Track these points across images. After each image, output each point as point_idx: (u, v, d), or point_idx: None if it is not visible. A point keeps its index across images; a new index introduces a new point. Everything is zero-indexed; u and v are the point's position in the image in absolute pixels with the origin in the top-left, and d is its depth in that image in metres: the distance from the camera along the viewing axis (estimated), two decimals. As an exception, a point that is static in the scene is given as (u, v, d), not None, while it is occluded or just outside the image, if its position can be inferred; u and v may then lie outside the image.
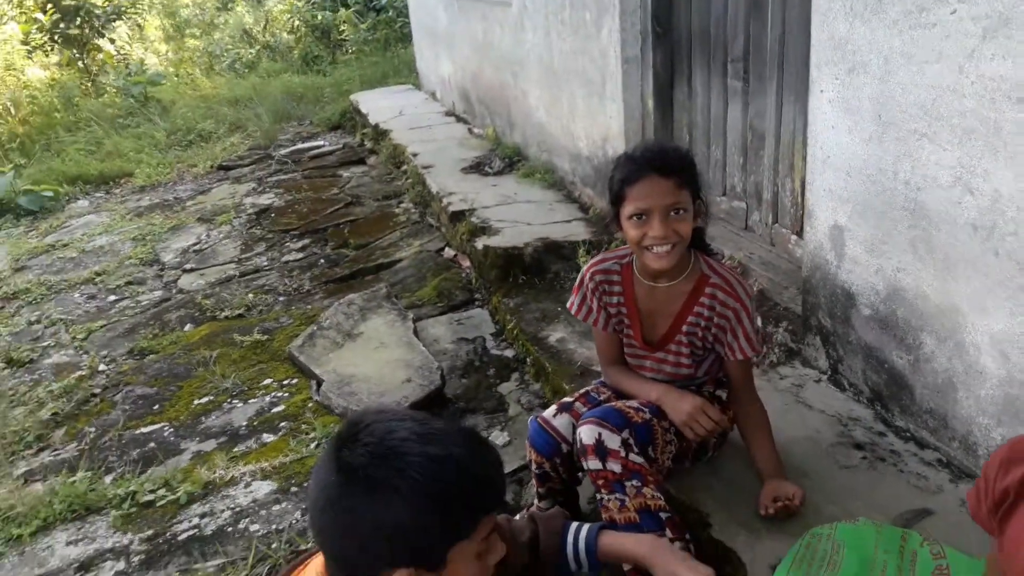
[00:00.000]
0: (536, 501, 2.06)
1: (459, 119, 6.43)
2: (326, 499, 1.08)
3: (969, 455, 1.93)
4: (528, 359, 3.05)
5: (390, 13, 10.88)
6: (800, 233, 2.65)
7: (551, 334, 3.06)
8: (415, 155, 5.48)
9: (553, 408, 1.96)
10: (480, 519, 1.11)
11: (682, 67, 3.29)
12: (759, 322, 2.62)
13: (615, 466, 1.75)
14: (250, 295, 4.04)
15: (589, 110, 3.84)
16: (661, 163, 1.76)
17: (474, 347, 3.30)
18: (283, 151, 7.00)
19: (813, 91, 2.20)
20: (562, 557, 1.41)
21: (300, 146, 7.15)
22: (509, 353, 3.20)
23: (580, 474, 2.01)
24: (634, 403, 1.89)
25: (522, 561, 1.40)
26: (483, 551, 1.14)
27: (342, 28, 10.99)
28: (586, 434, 1.78)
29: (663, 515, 1.74)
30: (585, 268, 2.01)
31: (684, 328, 1.90)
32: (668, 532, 1.72)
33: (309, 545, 2.27)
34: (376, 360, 3.16)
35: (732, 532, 1.84)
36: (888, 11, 1.87)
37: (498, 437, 2.67)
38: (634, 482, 1.74)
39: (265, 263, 4.53)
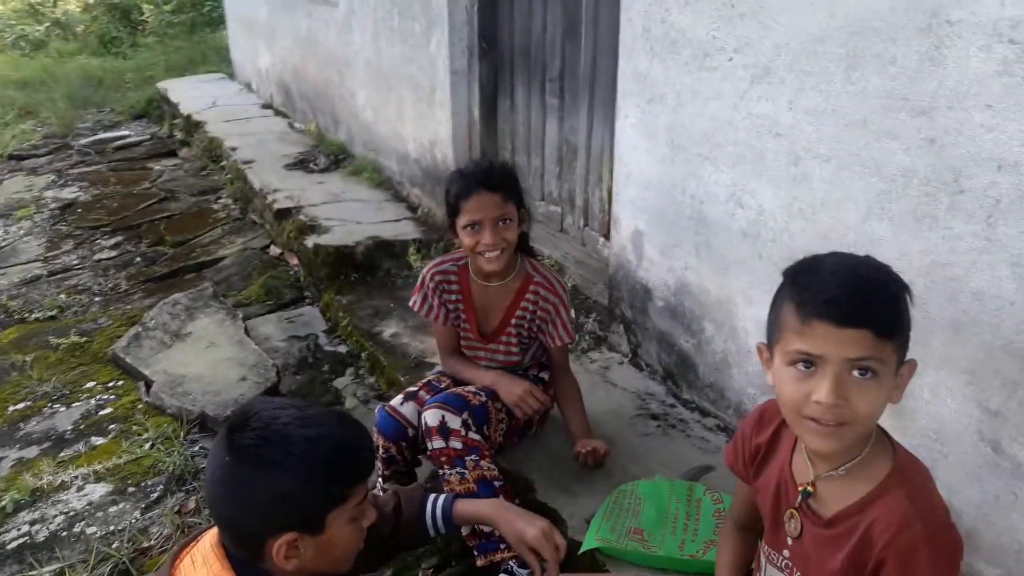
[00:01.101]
0: (380, 483, 2.25)
1: (278, 112, 6.38)
2: (221, 476, 1.24)
3: (741, 420, 2.36)
4: (363, 354, 3.20)
5: (197, -5, 10.45)
6: (607, 236, 3.02)
7: (385, 329, 3.23)
8: (234, 149, 5.41)
9: (399, 397, 2.17)
10: (354, 487, 1.31)
11: (505, 82, 3.58)
12: (573, 313, 2.95)
13: (456, 443, 1.98)
14: (62, 295, 3.87)
15: (418, 115, 4.05)
16: (489, 179, 2.05)
17: (307, 344, 3.40)
18: (84, 140, 6.60)
19: (619, 116, 2.55)
20: (422, 523, 1.64)
21: (103, 136, 6.77)
22: (343, 349, 3.34)
23: (420, 456, 2.23)
24: (471, 388, 2.14)
25: (389, 527, 1.60)
26: (356, 516, 1.34)
27: (143, 7, 10.39)
28: (431, 417, 2.00)
29: (497, 483, 1.99)
30: (425, 270, 2.25)
31: (513, 321, 2.18)
32: (501, 497, 1.98)
33: (151, 543, 2.32)
34: (208, 360, 3.18)
35: (553, 494, 2.14)
36: (681, 53, 2.24)
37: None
38: (472, 456, 1.98)
39: (75, 261, 4.33)
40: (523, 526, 1.61)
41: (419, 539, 1.69)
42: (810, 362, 1.12)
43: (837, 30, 1.78)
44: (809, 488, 1.27)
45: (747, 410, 2.33)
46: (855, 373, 1.10)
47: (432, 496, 1.67)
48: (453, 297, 2.23)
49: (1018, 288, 1.54)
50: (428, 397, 2.12)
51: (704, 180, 2.26)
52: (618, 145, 2.59)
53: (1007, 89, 1.49)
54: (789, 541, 1.32)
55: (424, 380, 2.28)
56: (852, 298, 1.09)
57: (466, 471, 1.97)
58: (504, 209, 2.05)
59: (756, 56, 2.01)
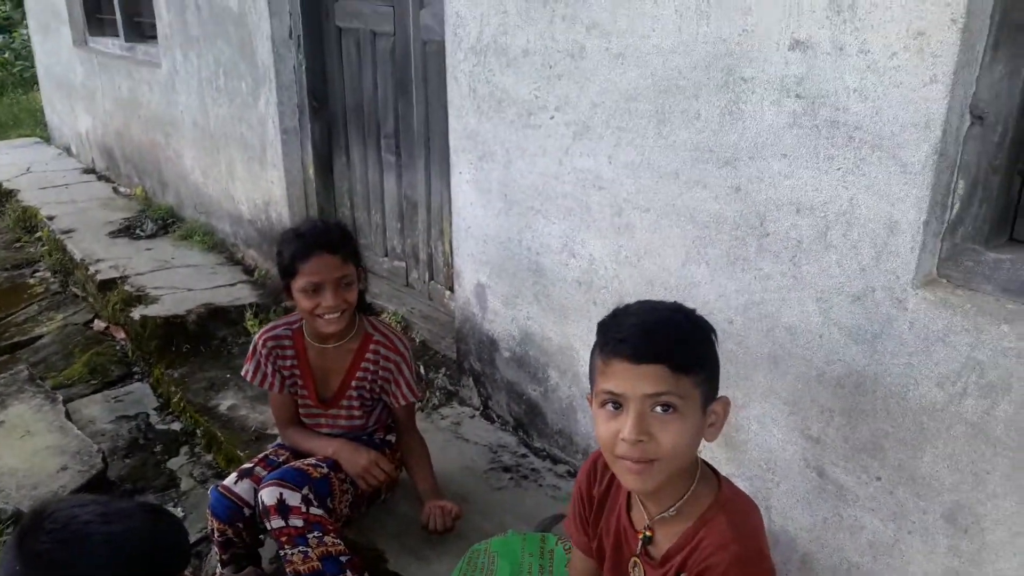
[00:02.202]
0: (219, 569, 2.09)
1: (101, 177, 6.01)
2: None
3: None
4: (198, 430, 3.01)
5: (6, 55, 9.74)
6: (452, 289, 3.02)
7: (221, 402, 3.06)
8: (51, 218, 5.02)
9: (233, 476, 2.04)
10: None
11: (340, 139, 3.54)
12: (421, 370, 2.92)
13: (297, 521, 1.88)
14: None
15: (250, 175, 3.92)
16: (328, 241, 1.99)
17: (137, 424, 3.16)
18: None
19: (454, 172, 2.57)
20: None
21: None
22: (176, 426, 3.12)
23: (262, 536, 2.10)
24: (312, 460, 2.05)
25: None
26: None
27: (-56, 68, 9.59)
28: (268, 496, 1.89)
29: (343, 558, 1.91)
30: (257, 336, 2.14)
31: (353, 383, 2.12)
32: (349, 573, 1.89)
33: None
34: (23, 450, 2.89)
35: (405, 562, 2.07)
36: (506, 112, 2.29)
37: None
38: (316, 533, 1.89)
39: None
40: None
41: None
42: (617, 402, 1.16)
43: (646, 88, 1.88)
44: (648, 533, 1.29)
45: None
46: (657, 409, 1.15)
47: None
48: (288, 363, 2.14)
49: (824, 322, 1.66)
50: (265, 473, 2.00)
51: (538, 232, 2.31)
52: (455, 200, 2.61)
53: (798, 139, 1.62)
54: None
55: (261, 455, 2.16)
56: (645, 336, 1.16)
57: (309, 549, 1.87)
58: (345, 270, 2.00)
59: (576, 114, 2.09)
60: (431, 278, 3.26)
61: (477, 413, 2.79)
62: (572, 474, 2.43)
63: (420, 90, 2.98)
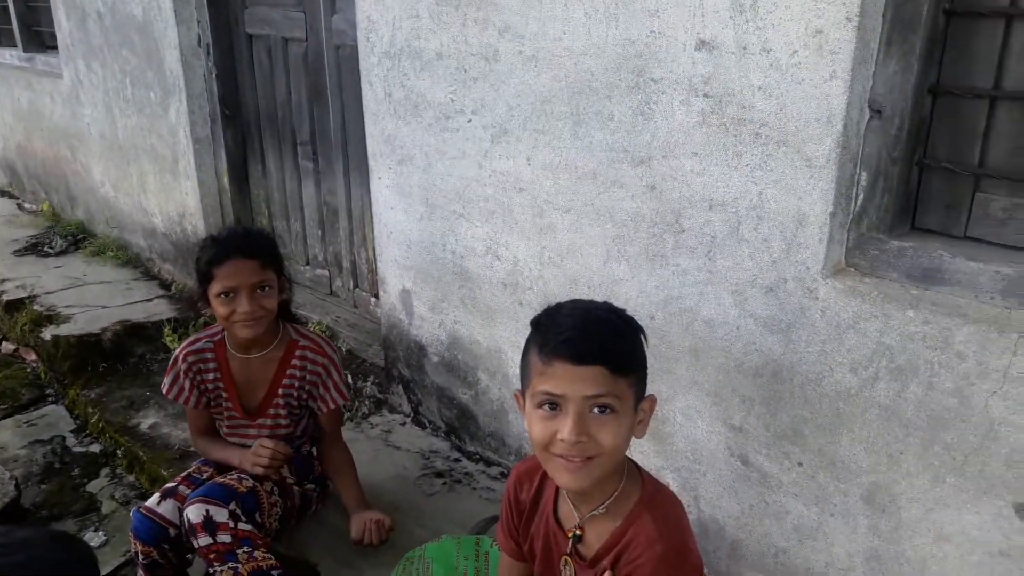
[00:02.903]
0: (145, 593, 2.03)
1: (3, 193, 5.73)
2: None
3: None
4: (119, 451, 2.90)
5: None
6: (377, 296, 2.98)
7: (142, 421, 2.96)
8: (-50, 237, 4.77)
9: (156, 496, 1.98)
10: None
11: (255, 146, 3.46)
12: (349, 379, 2.88)
13: (225, 537, 1.83)
14: None
15: (163, 186, 3.80)
16: (245, 245, 1.95)
17: (52, 448, 3.03)
18: None
19: (373, 177, 2.55)
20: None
21: None
22: (96, 448, 3.01)
23: (189, 556, 2.04)
24: (235, 474, 2.00)
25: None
26: None
27: None
28: (193, 513, 1.84)
29: (275, 573, 1.87)
30: (178, 350, 2.09)
31: (280, 391, 2.08)
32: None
33: None
34: (-74, 480, 2.73)
35: (337, 574, 2.04)
36: (423, 115, 2.28)
37: (93, 538, 2.51)
38: (245, 548, 1.84)
39: None
40: None
41: None
42: (555, 403, 1.17)
43: (560, 91, 1.90)
44: (578, 532, 1.31)
45: (527, 453, 2.38)
46: (595, 410, 1.16)
47: None
48: (211, 376, 2.08)
49: (740, 314, 1.71)
50: (189, 492, 1.95)
51: (461, 236, 2.31)
52: (376, 206, 2.58)
53: (707, 137, 1.66)
54: None
55: (184, 474, 2.09)
56: (586, 337, 1.17)
57: (239, 565, 1.83)
58: (262, 276, 1.96)
59: (493, 117, 2.09)
60: (356, 285, 3.22)
61: (408, 420, 2.77)
62: (505, 475, 2.43)
63: (335, 95, 2.94)
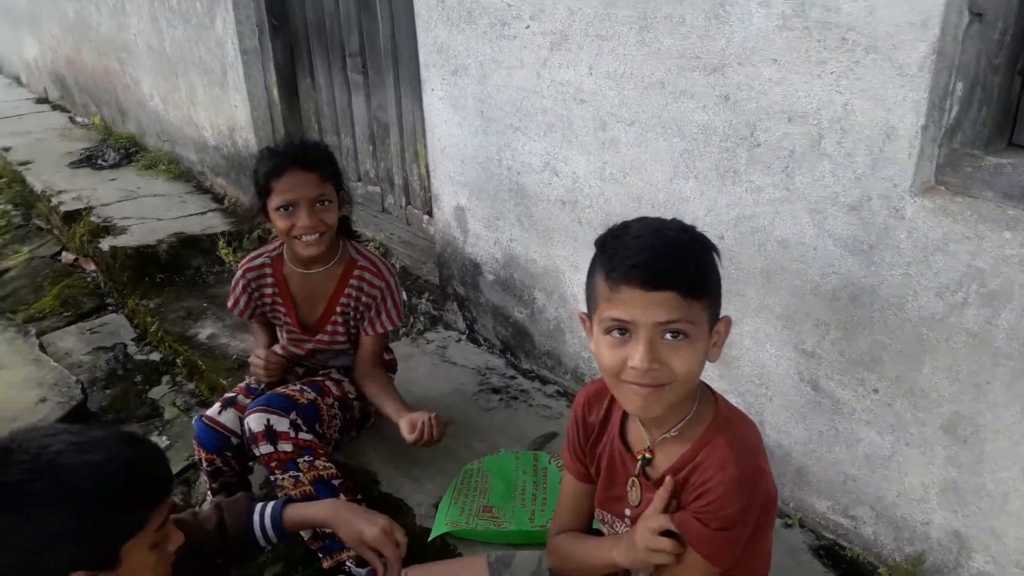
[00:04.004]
0: (210, 497, 2.09)
1: (56, 107, 5.77)
2: None
3: (579, 383, 2.38)
4: (178, 360, 2.97)
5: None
6: (431, 213, 2.94)
7: (200, 331, 3.01)
8: (7, 150, 4.83)
9: (217, 406, 2.01)
10: (149, 512, 1.18)
11: (303, 59, 3.38)
12: (404, 296, 2.87)
13: (286, 446, 1.86)
14: None
15: (212, 99, 3.76)
16: (304, 157, 1.90)
17: (114, 355, 3.11)
18: None
19: (425, 89, 2.47)
20: (251, 536, 1.51)
21: None
22: (156, 357, 3.08)
23: (251, 463, 2.09)
24: (298, 386, 2.02)
25: (212, 547, 1.47)
26: (159, 541, 1.20)
27: None
28: (255, 422, 1.86)
29: (335, 482, 1.90)
30: (240, 265, 2.08)
31: (338, 309, 2.06)
32: (342, 496, 1.88)
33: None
34: (-2, 385, 2.83)
35: (398, 484, 2.07)
36: (478, 22, 2.18)
37: (157, 442, 2.59)
38: (306, 457, 1.87)
39: None
40: (361, 525, 1.53)
41: (251, 553, 1.57)
42: (624, 329, 1.12)
43: (629, -8, 1.79)
44: (647, 455, 1.28)
45: (583, 373, 2.36)
46: (667, 336, 1.10)
47: (260, 506, 1.55)
48: (268, 291, 2.08)
49: (818, 234, 1.63)
50: (248, 401, 1.97)
51: (518, 151, 2.24)
52: (429, 119, 2.51)
53: (788, 43, 1.54)
54: (627, 512, 1.33)
55: (243, 384, 2.12)
56: (656, 261, 1.10)
57: (300, 473, 1.86)
58: (321, 189, 1.91)
59: (552, 22, 1.98)
60: (408, 203, 3.17)
61: (463, 337, 2.77)
62: (562, 394, 2.42)
63: (384, 4, 2.83)
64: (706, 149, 1.76)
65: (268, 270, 2.07)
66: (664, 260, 1.11)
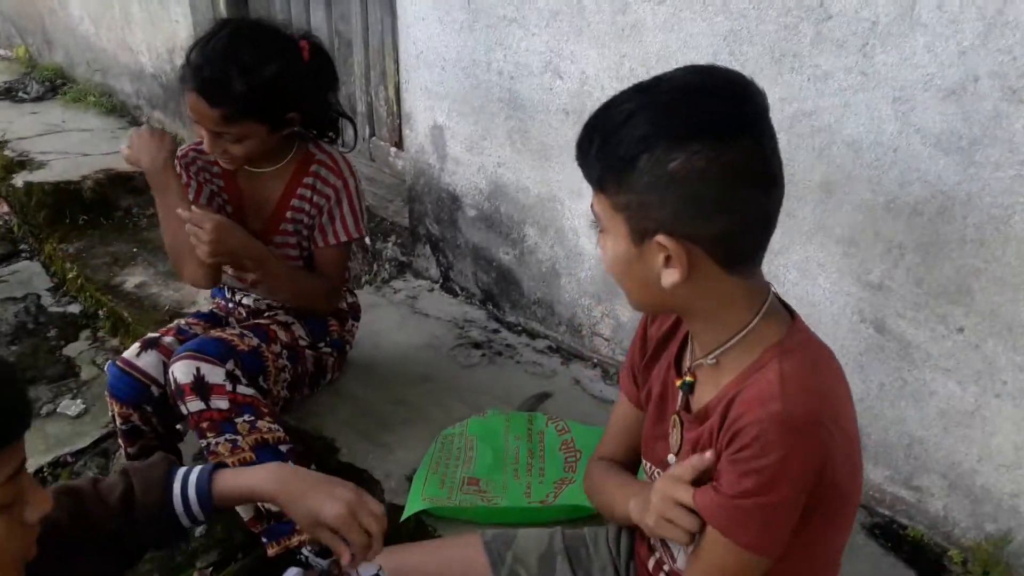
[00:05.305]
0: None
1: (-24, 41, 5.19)
2: None
3: (575, 337, 2.03)
4: (101, 311, 2.54)
5: None
6: (400, 144, 2.55)
7: (127, 279, 2.58)
8: (-86, 83, 4.28)
9: (135, 347, 1.60)
10: None
11: (255, -33, 2.95)
12: (366, 240, 2.46)
13: (221, 403, 1.47)
14: None
15: (150, 16, 3.29)
16: (208, 85, 1.45)
17: (25, 307, 2.66)
18: None
19: (401, -20, 2.07)
20: (169, 512, 1.11)
21: None
22: (75, 309, 2.64)
23: (180, 427, 1.69)
24: (237, 329, 1.62)
25: (115, 526, 1.07)
26: (6, 502, 0.81)
27: None
28: (181, 372, 1.47)
29: (283, 448, 1.51)
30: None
31: (288, 215, 1.67)
32: (290, 464, 1.49)
33: None
34: None
35: (362, 452, 1.70)
36: None
37: (70, 407, 2.17)
38: (246, 417, 1.48)
39: None
40: (317, 500, 1.12)
41: (171, 534, 1.16)
42: None
43: None
44: (689, 378, 0.95)
45: (581, 324, 2.00)
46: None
47: (182, 472, 1.13)
48: (215, 184, 1.70)
49: (901, 129, 1.29)
50: (178, 345, 1.57)
51: (513, 48, 1.86)
52: (402, 19, 2.11)
53: None
54: (671, 458, 0.99)
55: (171, 324, 1.72)
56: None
57: (239, 437, 1.47)
58: (224, 128, 1.49)
59: None
60: (372, 134, 2.77)
61: (436, 286, 2.38)
62: (554, 350, 2.06)
63: None
64: (758, 28, 1.41)
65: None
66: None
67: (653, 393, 1.04)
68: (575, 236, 1.91)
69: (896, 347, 1.41)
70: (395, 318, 2.20)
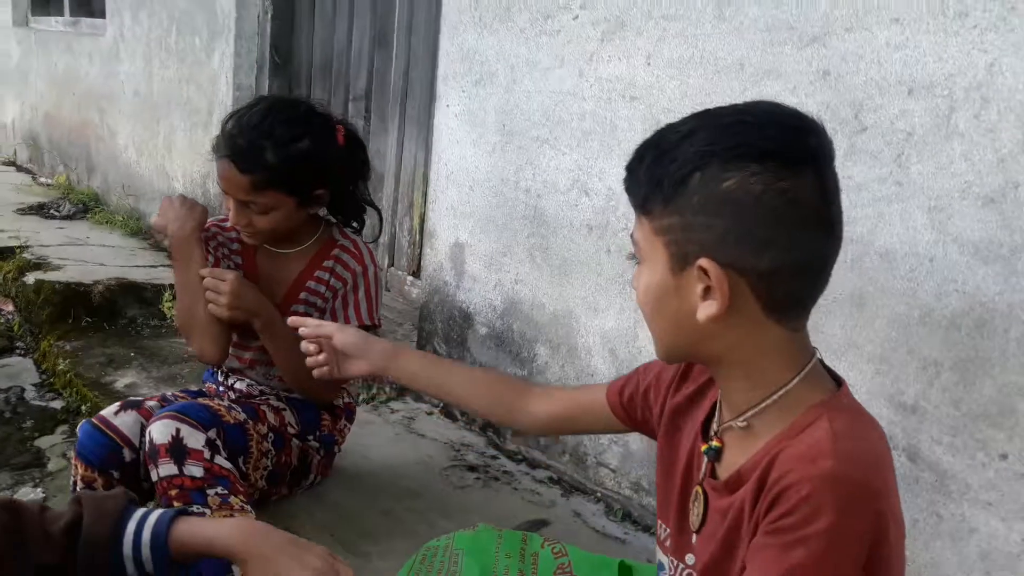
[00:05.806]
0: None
1: (21, 169, 5.44)
2: None
3: (578, 467, 1.90)
4: (84, 407, 2.42)
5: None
6: (416, 274, 2.56)
7: (118, 379, 2.48)
8: (-46, 197, 4.42)
9: (115, 406, 1.50)
10: None
11: (300, 105, 3.12)
12: (380, 303, 2.38)
13: (196, 470, 1.35)
14: None
15: (191, 144, 3.44)
16: (242, 153, 1.47)
17: (6, 397, 2.54)
18: None
19: (439, 107, 2.16)
20: (115, 551, 0.96)
21: None
22: (57, 404, 2.52)
23: (148, 500, 1.54)
24: (226, 402, 1.52)
25: (45, 556, 0.93)
26: None
27: None
28: (158, 431, 1.36)
29: (255, 532, 1.36)
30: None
31: (302, 295, 1.62)
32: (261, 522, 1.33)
33: None
34: None
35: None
36: (516, 19, 1.91)
37: (29, 494, 2.01)
38: (219, 489, 1.36)
39: None
40: (284, 568, 0.99)
41: None
42: None
43: (711, -48, 1.52)
44: (715, 443, 0.85)
45: (585, 453, 1.88)
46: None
47: (141, 511, 1.01)
48: (234, 262, 1.67)
49: (937, 239, 1.26)
50: (160, 408, 1.47)
51: (542, 167, 1.89)
52: (437, 143, 2.18)
53: (915, -1, 1.26)
54: (693, 539, 0.87)
55: (158, 394, 1.62)
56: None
57: (208, 510, 1.33)
58: (251, 196, 1.49)
59: (607, 8, 1.71)
60: (391, 263, 2.79)
61: (436, 410, 2.28)
62: (555, 481, 1.93)
63: (403, 40, 2.59)
64: (790, 140, 1.43)
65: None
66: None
67: (676, 465, 0.93)
68: (587, 355, 1.84)
69: (931, 478, 1.30)
70: (388, 434, 2.08)
